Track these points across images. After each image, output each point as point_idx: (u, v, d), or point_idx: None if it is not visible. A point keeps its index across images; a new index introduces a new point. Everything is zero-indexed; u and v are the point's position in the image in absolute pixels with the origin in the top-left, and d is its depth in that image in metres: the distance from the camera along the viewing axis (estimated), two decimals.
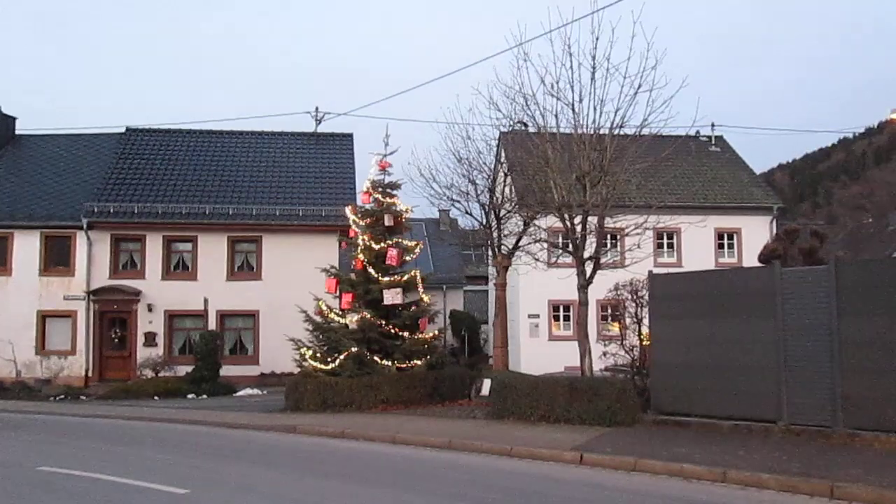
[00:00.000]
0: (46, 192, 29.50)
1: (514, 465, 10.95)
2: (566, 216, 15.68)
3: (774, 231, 28.54)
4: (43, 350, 27.44)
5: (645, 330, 15.01)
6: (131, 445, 13.66)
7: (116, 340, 28.12)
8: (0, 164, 31.05)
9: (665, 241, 29.16)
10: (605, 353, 16.05)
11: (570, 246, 16.14)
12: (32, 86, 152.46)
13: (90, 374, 27.49)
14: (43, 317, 27.61)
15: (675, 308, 13.63)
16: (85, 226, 27.52)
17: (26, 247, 27.71)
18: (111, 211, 27.89)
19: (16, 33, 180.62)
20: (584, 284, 15.61)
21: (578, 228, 15.64)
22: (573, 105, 15.36)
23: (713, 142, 34.05)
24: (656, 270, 15.36)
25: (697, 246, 28.41)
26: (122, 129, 32.84)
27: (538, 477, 10.00)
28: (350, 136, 33.92)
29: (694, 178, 30.80)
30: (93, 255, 27.82)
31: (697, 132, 31.05)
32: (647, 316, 14.74)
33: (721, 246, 30.09)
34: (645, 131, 15.51)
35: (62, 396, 24.38)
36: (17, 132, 33.27)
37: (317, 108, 33.80)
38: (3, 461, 11.60)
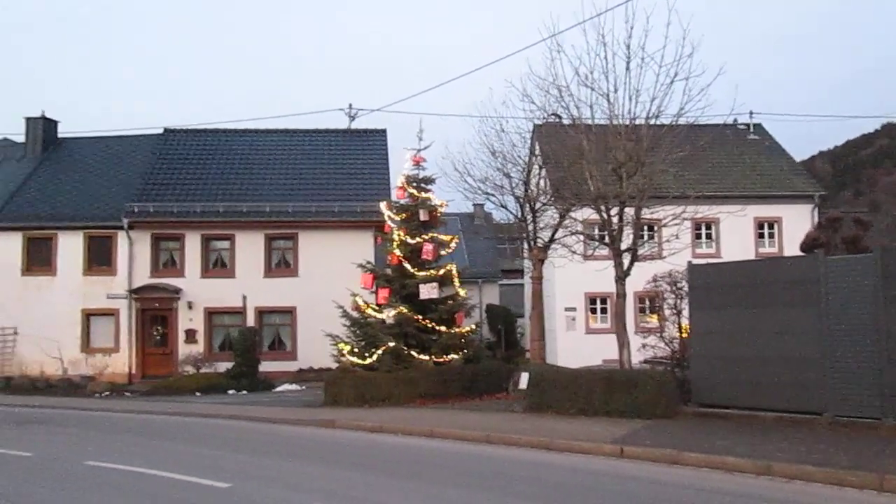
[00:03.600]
0: (88, 194, 30.15)
1: (554, 459, 10.89)
2: (602, 208, 15.53)
3: (816, 219, 27.97)
4: (87, 348, 28.11)
5: (684, 321, 14.81)
6: (174, 440, 13.90)
7: (158, 338, 28.68)
8: (43, 166, 31.83)
9: (703, 231, 28.75)
10: (643, 346, 15.91)
11: (607, 238, 15.99)
12: (74, 89, 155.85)
13: (133, 370, 28.06)
14: (87, 315, 28.23)
15: (716, 299, 13.43)
16: (126, 226, 28.09)
17: (70, 247, 28.36)
18: (151, 211, 28.41)
19: (51, 37, 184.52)
20: (621, 276, 15.48)
21: (615, 220, 15.50)
22: (608, 95, 15.23)
23: (751, 130, 33.45)
24: (695, 261, 15.15)
25: (736, 236, 27.93)
26: (161, 130, 33.46)
27: (578, 470, 9.94)
28: (384, 131, 34.10)
29: (732, 167, 30.25)
30: (134, 255, 28.38)
31: (735, 120, 30.47)
32: (686, 307, 14.55)
33: (761, 235, 29.58)
34: (681, 120, 15.32)
35: (107, 393, 24.96)
36: (59, 135, 34.03)
37: (350, 105, 34.37)
38: (52, 456, 11.89)
